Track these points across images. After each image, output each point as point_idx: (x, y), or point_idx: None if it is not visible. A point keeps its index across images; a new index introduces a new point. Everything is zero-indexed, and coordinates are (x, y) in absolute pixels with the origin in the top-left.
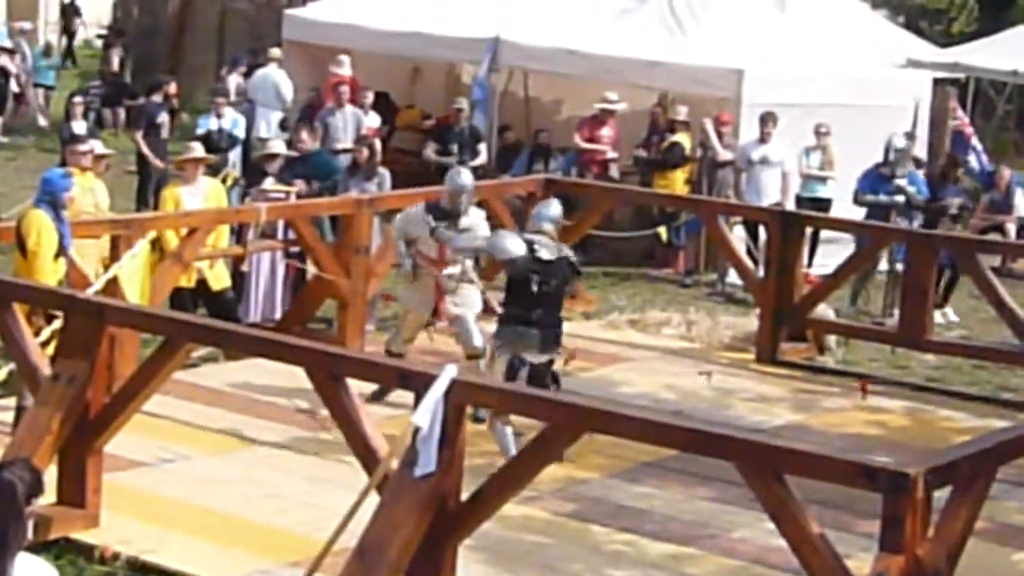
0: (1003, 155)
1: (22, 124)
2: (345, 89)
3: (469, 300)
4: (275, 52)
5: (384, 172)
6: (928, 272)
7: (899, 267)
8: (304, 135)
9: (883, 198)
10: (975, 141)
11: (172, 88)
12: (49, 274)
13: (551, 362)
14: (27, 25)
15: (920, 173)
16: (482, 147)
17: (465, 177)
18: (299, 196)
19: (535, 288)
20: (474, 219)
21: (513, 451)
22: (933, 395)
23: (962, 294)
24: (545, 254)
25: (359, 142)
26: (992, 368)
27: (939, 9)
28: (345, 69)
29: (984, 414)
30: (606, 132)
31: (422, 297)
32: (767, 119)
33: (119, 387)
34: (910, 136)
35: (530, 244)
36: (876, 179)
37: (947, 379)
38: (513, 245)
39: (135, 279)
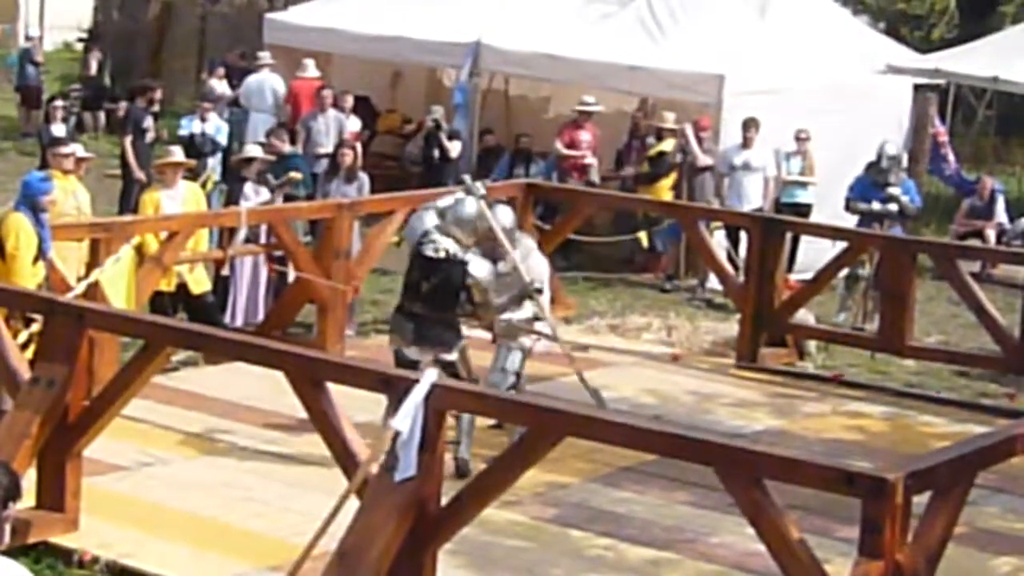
0: (983, 161)
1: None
2: (327, 93)
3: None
4: (265, 56)
5: (363, 176)
6: (907, 278)
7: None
8: (278, 139)
9: (876, 206)
10: (947, 150)
11: (158, 94)
12: (28, 277)
13: (448, 364)
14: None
15: (912, 181)
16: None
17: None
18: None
19: (416, 282)
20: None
21: None
22: (912, 400)
23: (941, 300)
24: (430, 252)
25: (341, 146)
26: (971, 374)
27: (919, 15)
28: (311, 72)
29: (963, 420)
30: (585, 137)
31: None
32: (749, 124)
33: (99, 391)
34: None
35: (421, 239)
36: (868, 186)
37: (926, 384)
38: (412, 232)
39: (119, 284)
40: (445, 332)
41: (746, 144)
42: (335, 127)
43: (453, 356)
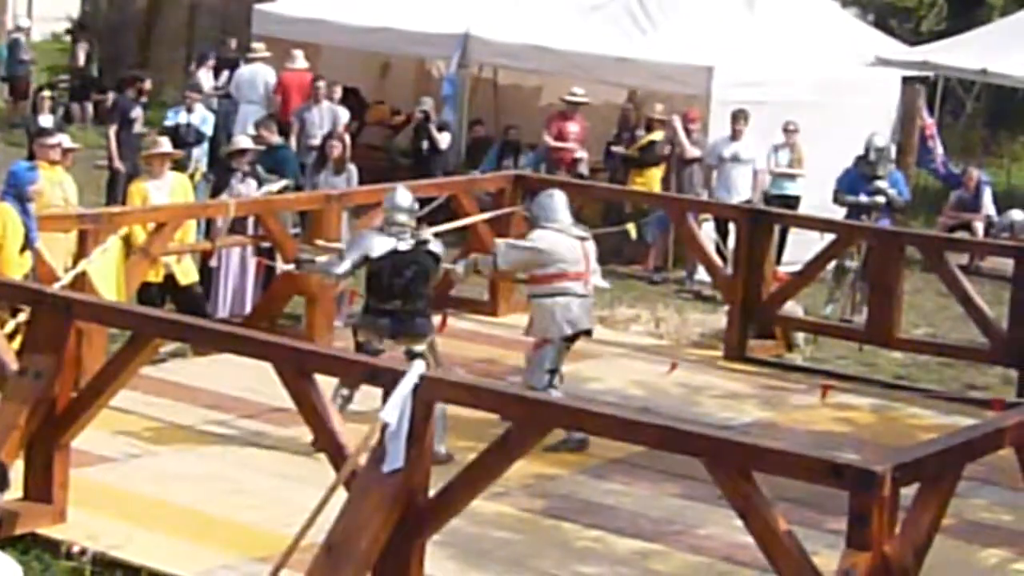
0: (971, 153)
1: None
2: (322, 85)
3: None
4: (260, 48)
5: (352, 168)
6: (895, 270)
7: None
8: (267, 130)
9: (863, 199)
10: (936, 143)
11: (147, 85)
12: (15, 268)
13: (417, 355)
14: None
15: (901, 174)
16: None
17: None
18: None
19: (388, 279)
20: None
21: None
22: (901, 392)
23: (930, 292)
24: (401, 245)
25: (330, 138)
26: (959, 366)
27: (908, 8)
28: (300, 64)
29: (951, 412)
30: (574, 129)
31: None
32: (738, 116)
33: (86, 382)
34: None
35: (391, 234)
36: (856, 179)
37: (914, 377)
38: (366, 246)
39: (108, 275)
40: (421, 322)
41: (735, 136)
42: (329, 119)
43: (423, 347)
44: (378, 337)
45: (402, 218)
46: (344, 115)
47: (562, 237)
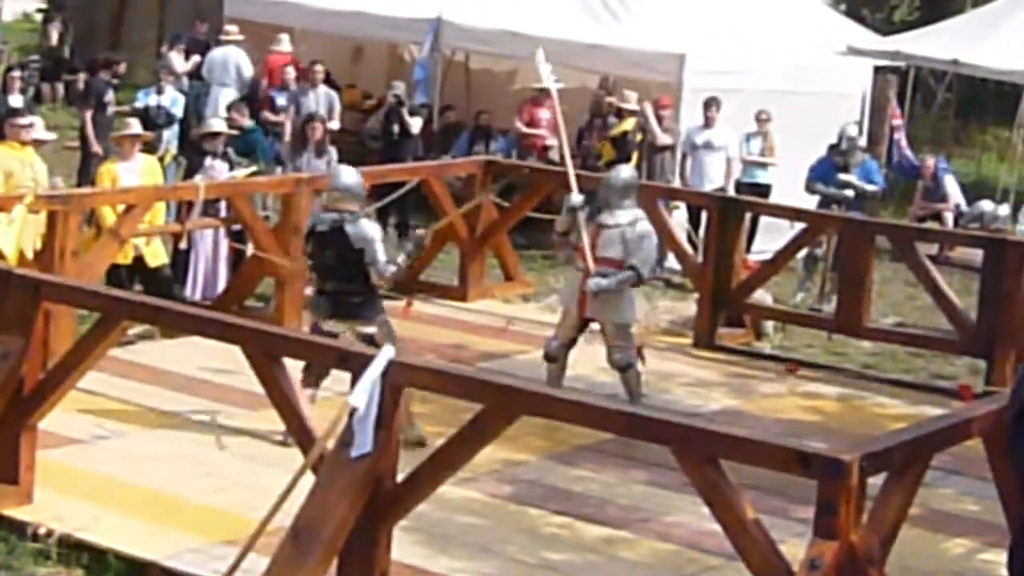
0: (942, 144)
1: None
2: (319, 68)
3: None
4: (232, 31)
5: (333, 150)
6: (865, 259)
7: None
8: (239, 113)
9: (832, 190)
10: (900, 135)
11: (122, 68)
12: None
13: (367, 336)
14: None
15: (875, 162)
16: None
17: (622, 174)
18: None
19: (318, 260)
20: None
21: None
22: (869, 382)
23: (899, 282)
24: (321, 227)
25: (311, 120)
26: (927, 356)
27: None
28: (285, 47)
29: (919, 401)
30: (545, 115)
31: (571, 292)
32: (711, 104)
33: (54, 363)
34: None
35: (312, 221)
36: (828, 168)
37: (883, 366)
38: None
39: (8, 241)
40: (361, 305)
41: (708, 124)
42: (325, 103)
43: (371, 329)
44: (321, 317)
45: (336, 197)
46: (338, 100)
47: None
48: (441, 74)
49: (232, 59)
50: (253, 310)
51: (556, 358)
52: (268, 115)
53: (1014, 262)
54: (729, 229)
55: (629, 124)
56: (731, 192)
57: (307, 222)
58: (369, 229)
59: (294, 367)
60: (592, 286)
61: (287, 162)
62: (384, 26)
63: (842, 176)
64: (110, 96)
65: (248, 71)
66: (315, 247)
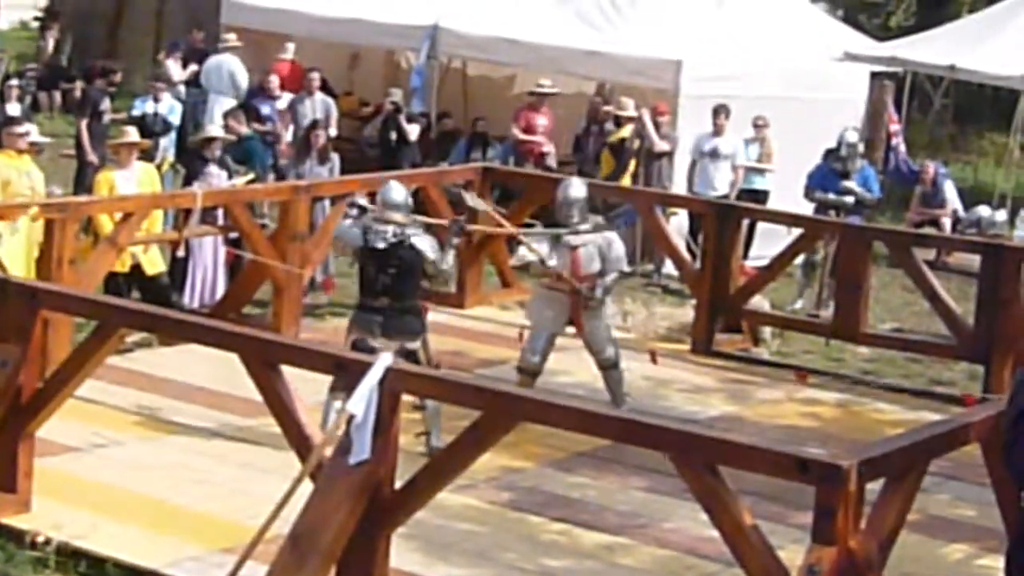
0: (939, 150)
1: None
2: (315, 76)
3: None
4: (231, 38)
5: (335, 157)
6: (863, 265)
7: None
8: (236, 120)
9: (831, 196)
10: (898, 140)
11: (118, 77)
12: None
13: (411, 352)
14: None
15: (872, 169)
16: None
17: (577, 189)
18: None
19: (374, 277)
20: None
21: None
22: (867, 388)
23: (896, 287)
24: (379, 244)
25: (314, 127)
26: (925, 361)
27: (877, 3)
28: (291, 55)
29: (917, 407)
30: (542, 122)
31: (554, 315)
32: (719, 111)
33: (52, 372)
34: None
35: (365, 233)
36: (827, 175)
37: (881, 372)
38: (352, 236)
39: (17, 255)
40: (412, 321)
41: (717, 131)
42: (322, 110)
43: (416, 344)
44: (371, 335)
45: (395, 215)
46: (334, 107)
47: None
48: (438, 81)
49: (226, 67)
50: (251, 318)
51: (538, 373)
52: (255, 124)
53: (1011, 267)
54: (726, 235)
55: (627, 131)
56: (732, 199)
57: (345, 237)
58: (430, 238)
59: (292, 375)
60: (599, 295)
61: (290, 169)
62: (381, 33)
63: (845, 183)
64: (106, 104)
65: (243, 79)
66: (373, 265)
